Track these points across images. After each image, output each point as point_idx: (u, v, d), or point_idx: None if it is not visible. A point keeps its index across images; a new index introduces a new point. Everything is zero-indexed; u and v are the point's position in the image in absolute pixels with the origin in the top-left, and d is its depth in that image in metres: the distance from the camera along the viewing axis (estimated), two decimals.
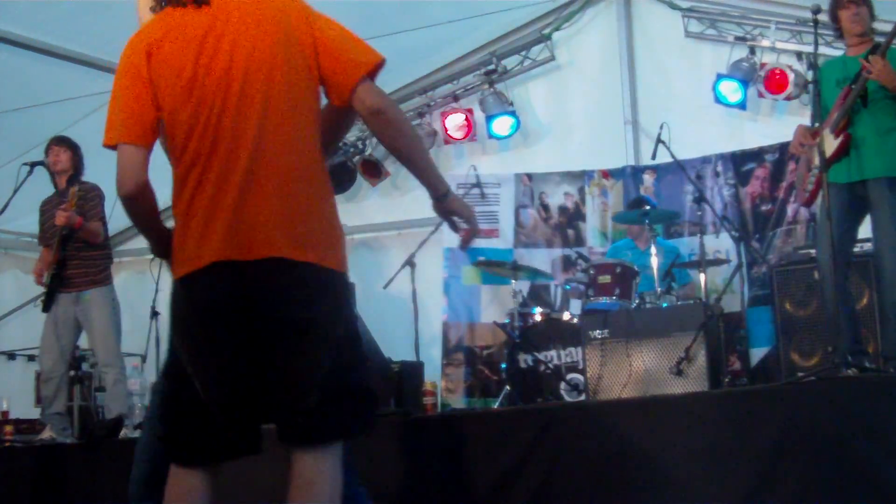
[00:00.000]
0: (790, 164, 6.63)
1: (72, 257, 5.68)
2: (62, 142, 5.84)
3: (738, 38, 6.89)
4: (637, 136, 7.30)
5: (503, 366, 6.09)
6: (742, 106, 6.80)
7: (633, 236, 6.44)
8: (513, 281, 6.15)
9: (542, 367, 5.63)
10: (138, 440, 3.41)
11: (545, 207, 7.38)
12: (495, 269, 6.47)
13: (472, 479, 4.24)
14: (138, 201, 2.33)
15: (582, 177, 7.35)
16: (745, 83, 6.72)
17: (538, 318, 5.93)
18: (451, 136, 7.52)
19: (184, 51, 2.29)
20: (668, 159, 5.96)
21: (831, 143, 4.49)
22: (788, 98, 6.63)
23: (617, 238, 6.99)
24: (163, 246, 2.40)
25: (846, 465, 3.55)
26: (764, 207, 6.72)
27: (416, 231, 7.18)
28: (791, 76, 6.55)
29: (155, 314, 6.47)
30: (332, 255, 2.30)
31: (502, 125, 7.37)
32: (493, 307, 7.11)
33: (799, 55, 6.62)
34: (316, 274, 2.25)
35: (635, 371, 4.85)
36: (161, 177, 2.38)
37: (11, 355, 7.78)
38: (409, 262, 6.42)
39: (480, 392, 7.06)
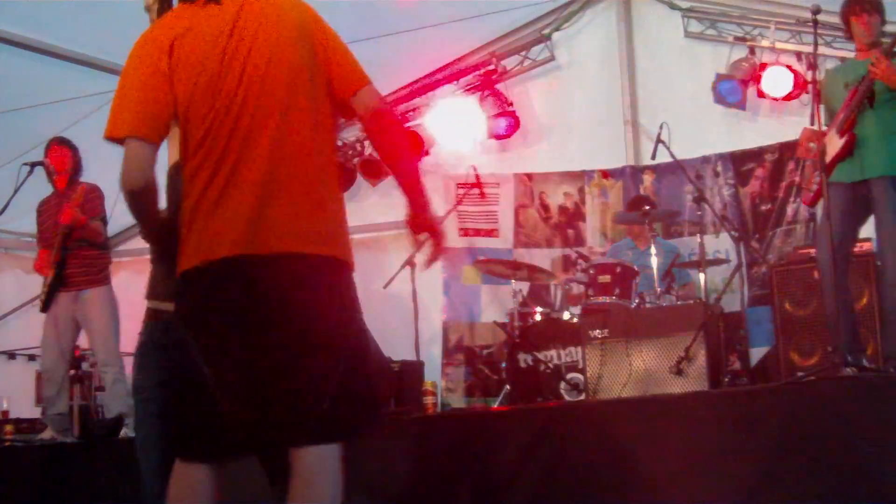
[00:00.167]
0: (790, 164, 6.65)
1: (72, 257, 5.69)
2: (63, 142, 5.85)
3: (737, 39, 6.90)
4: (637, 135, 7.30)
5: (503, 365, 6.09)
6: (742, 106, 6.81)
7: (633, 236, 6.44)
8: (513, 281, 6.15)
9: (542, 367, 5.63)
10: (136, 439, 3.41)
11: (545, 207, 7.38)
12: (498, 268, 6.48)
13: (473, 479, 4.25)
14: (144, 197, 2.33)
15: (582, 177, 7.35)
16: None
17: (538, 317, 5.93)
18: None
19: (206, 47, 2.29)
20: (668, 159, 5.96)
21: (836, 144, 4.52)
22: (788, 98, 6.63)
23: (617, 238, 7.00)
24: (154, 230, 2.43)
25: (846, 465, 3.55)
26: (764, 207, 6.72)
27: None
28: (790, 76, 6.55)
29: None
30: (346, 252, 2.34)
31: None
32: (493, 307, 7.11)
33: (799, 55, 6.63)
34: (331, 270, 2.28)
35: (635, 371, 4.85)
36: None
37: (11, 355, 7.78)
38: (409, 262, 6.42)
39: (480, 392, 7.07)
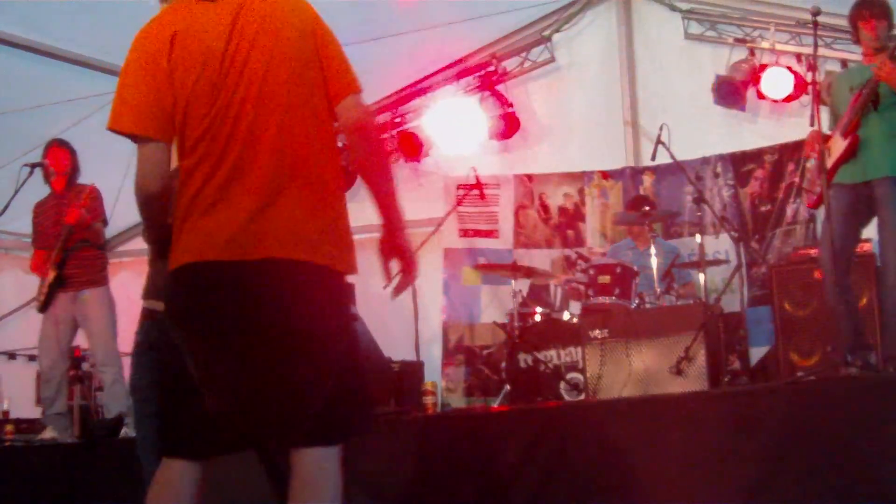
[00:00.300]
0: (789, 165, 6.65)
1: (72, 257, 5.70)
2: (62, 144, 5.86)
3: (737, 40, 6.90)
4: (637, 137, 7.31)
5: (503, 365, 6.09)
6: (742, 107, 6.82)
7: (633, 237, 6.44)
8: (513, 281, 6.16)
9: (542, 367, 5.63)
10: (136, 439, 3.41)
11: (545, 208, 7.39)
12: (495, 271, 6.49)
13: (472, 479, 4.25)
14: (158, 201, 2.31)
15: (582, 178, 7.36)
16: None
17: (538, 317, 5.94)
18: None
19: (206, 46, 2.26)
20: (668, 160, 5.96)
21: (840, 146, 4.54)
22: (788, 100, 6.64)
23: (617, 238, 7.01)
24: (163, 235, 2.38)
25: (846, 465, 3.55)
26: (763, 208, 6.73)
27: (416, 231, 7.18)
28: (790, 77, 6.56)
29: None
30: (343, 258, 2.30)
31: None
32: (493, 307, 7.12)
33: (798, 57, 6.63)
34: (323, 278, 2.24)
35: (635, 371, 4.85)
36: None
37: (12, 355, 7.78)
38: None
39: (480, 392, 7.07)
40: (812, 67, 5.92)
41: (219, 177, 2.22)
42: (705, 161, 6.89)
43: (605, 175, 7.31)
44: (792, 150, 6.64)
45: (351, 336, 2.35)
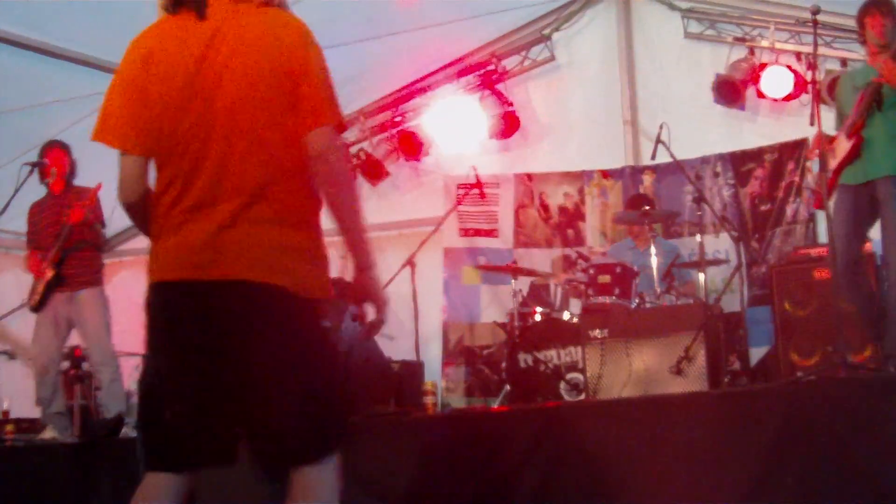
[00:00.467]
0: (789, 165, 6.65)
1: (70, 257, 5.71)
2: (63, 146, 5.87)
3: (737, 39, 6.90)
4: (637, 136, 7.31)
5: (503, 365, 6.09)
6: (741, 106, 6.82)
7: (633, 236, 6.44)
8: (513, 281, 6.16)
9: (542, 367, 5.63)
10: (137, 439, 3.42)
11: (545, 207, 7.39)
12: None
13: (472, 479, 4.25)
14: (137, 209, 2.37)
15: (582, 177, 7.36)
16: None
17: (538, 317, 5.94)
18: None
19: (178, 67, 2.28)
20: (668, 159, 5.96)
21: (844, 146, 4.54)
22: (787, 99, 6.64)
23: (617, 238, 7.01)
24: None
25: (846, 465, 3.55)
26: (763, 207, 6.73)
27: (416, 231, 7.19)
28: (790, 76, 6.56)
29: None
30: (308, 281, 2.28)
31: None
32: (493, 307, 7.12)
33: (798, 56, 6.63)
34: (285, 300, 2.24)
35: (635, 371, 4.85)
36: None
37: (12, 355, 7.77)
38: (409, 262, 6.43)
39: (480, 391, 7.07)
40: (812, 66, 5.93)
41: (187, 197, 2.26)
42: (705, 160, 6.89)
43: (605, 174, 7.31)
44: (792, 149, 6.65)
45: (316, 356, 2.29)
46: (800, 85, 6.54)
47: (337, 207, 2.28)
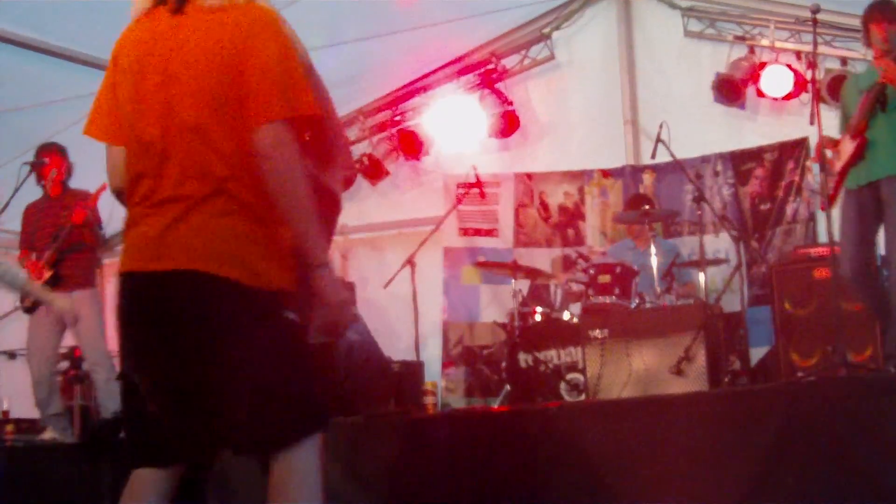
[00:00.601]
0: (789, 164, 6.65)
1: (67, 258, 5.72)
2: (60, 148, 5.89)
3: (737, 38, 6.90)
4: (637, 135, 7.31)
5: (503, 365, 6.09)
6: (741, 105, 6.82)
7: (633, 236, 6.44)
8: (513, 280, 6.16)
9: (542, 367, 5.63)
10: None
11: (545, 207, 7.38)
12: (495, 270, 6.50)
13: (472, 479, 4.25)
14: (125, 196, 2.43)
15: (582, 176, 7.36)
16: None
17: (538, 317, 5.93)
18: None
19: (135, 64, 2.35)
20: (668, 159, 5.96)
21: (849, 148, 4.55)
22: (787, 98, 6.64)
23: (617, 238, 7.00)
24: None
25: (846, 465, 3.55)
26: (763, 207, 6.73)
27: (416, 231, 7.19)
28: (790, 76, 6.55)
29: None
30: (259, 272, 2.26)
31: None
32: (493, 307, 7.11)
33: (798, 54, 6.63)
34: (229, 289, 2.24)
35: (635, 371, 4.85)
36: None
37: (12, 355, 7.78)
38: (409, 262, 6.43)
39: (480, 391, 7.07)
40: (812, 65, 5.93)
41: (153, 193, 2.31)
42: (705, 159, 6.89)
43: (606, 173, 7.31)
44: (792, 149, 6.65)
45: (269, 346, 2.26)
46: (800, 84, 6.54)
47: (282, 206, 2.25)
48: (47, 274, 5.69)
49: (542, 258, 7.16)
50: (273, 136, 2.22)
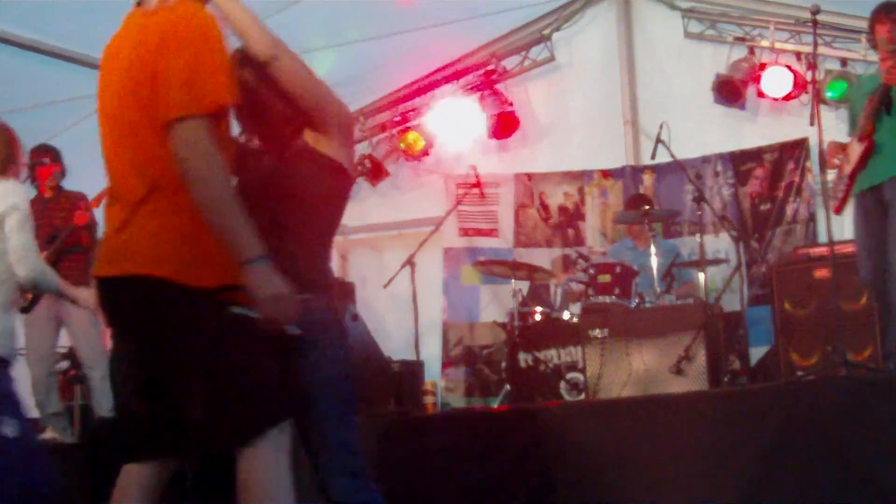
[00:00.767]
0: (789, 164, 6.66)
1: (64, 259, 5.72)
2: (56, 152, 5.90)
3: (737, 39, 6.90)
4: (637, 135, 7.31)
5: (503, 365, 6.09)
6: (742, 106, 6.82)
7: (633, 236, 6.44)
8: (513, 280, 6.16)
9: (542, 367, 5.63)
10: None
11: (545, 207, 7.39)
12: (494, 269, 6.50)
13: (472, 479, 4.25)
14: None
15: (582, 177, 7.36)
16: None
17: (538, 317, 5.94)
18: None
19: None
20: (668, 159, 5.96)
21: (857, 151, 4.55)
22: (787, 98, 6.64)
23: (616, 238, 7.00)
24: None
25: (846, 465, 3.55)
26: (763, 207, 6.73)
27: (416, 231, 7.19)
28: (790, 76, 6.56)
29: None
30: (196, 270, 2.27)
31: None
32: (493, 307, 7.12)
33: (798, 55, 6.63)
34: (168, 289, 2.26)
35: (635, 370, 4.85)
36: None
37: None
38: (409, 262, 6.43)
39: (480, 391, 7.07)
40: (812, 66, 5.94)
41: (108, 191, 2.41)
42: (705, 160, 6.89)
43: (606, 174, 7.31)
44: (792, 149, 6.65)
45: (217, 343, 2.26)
46: (799, 85, 6.54)
47: (199, 204, 2.23)
48: None
49: (541, 258, 7.15)
50: (182, 136, 2.20)
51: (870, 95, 4.56)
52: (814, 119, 4.46)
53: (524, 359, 5.73)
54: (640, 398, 4.63)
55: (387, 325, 6.90)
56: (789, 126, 6.62)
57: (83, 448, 5.29)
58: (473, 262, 7.05)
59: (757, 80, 6.68)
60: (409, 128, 7.64)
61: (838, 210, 4.84)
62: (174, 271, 2.24)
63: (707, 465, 3.81)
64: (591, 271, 5.76)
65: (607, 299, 5.59)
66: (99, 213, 5.83)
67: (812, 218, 6.49)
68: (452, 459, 4.33)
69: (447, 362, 7.19)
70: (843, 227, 5.36)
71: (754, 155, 6.82)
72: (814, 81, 4.98)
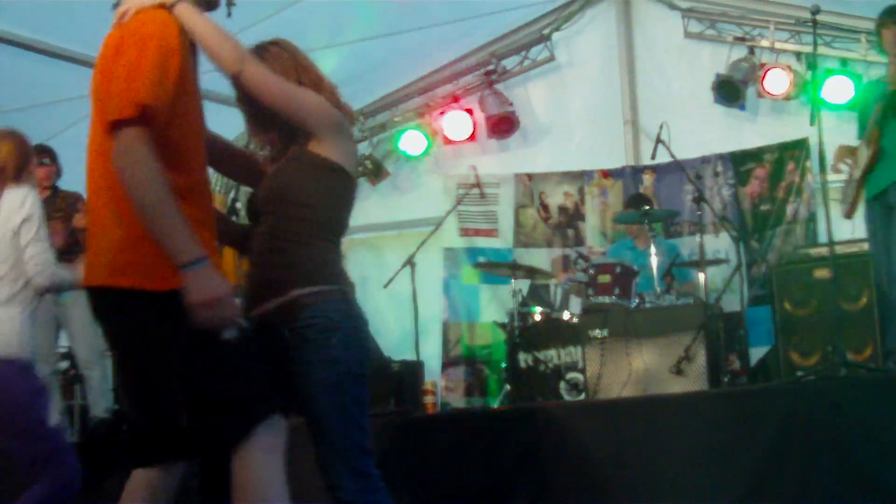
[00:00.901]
0: (789, 164, 6.66)
1: (61, 260, 5.72)
2: (52, 152, 5.89)
3: (737, 39, 6.90)
4: (637, 135, 7.30)
5: (503, 365, 6.09)
6: (741, 106, 6.82)
7: (633, 236, 6.44)
8: (512, 280, 6.16)
9: (542, 367, 5.63)
10: None
11: (545, 207, 7.39)
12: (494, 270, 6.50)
13: (472, 479, 4.25)
14: None
15: (581, 177, 7.36)
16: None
17: (538, 317, 5.94)
18: (447, 139, 7.52)
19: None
20: (668, 159, 5.96)
21: (866, 155, 4.56)
22: (787, 98, 6.64)
23: (616, 238, 7.00)
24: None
25: (846, 465, 3.56)
26: (763, 207, 6.73)
27: (416, 231, 7.18)
28: (790, 76, 6.56)
29: None
30: (149, 274, 2.26)
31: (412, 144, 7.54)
32: (493, 307, 7.11)
33: (798, 55, 6.63)
34: (129, 298, 2.27)
35: (635, 370, 4.85)
36: None
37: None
38: (409, 262, 6.43)
39: (480, 391, 7.07)
40: (812, 66, 5.95)
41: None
42: (705, 160, 6.89)
43: (605, 174, 7.31)
44: (791, 149, 6.65)
45: (179, 347, 2.25)
46: (799, 85, 6.54)
47: (140, 215, 2.24)
48: None
49: (541, 258, 7.15)
50: (116, 144, 2.23)
51: (879, 100, 4.56)
52: (814, 119, 4.46)
53: (524, 359, 5.73)
54: (640, 398, 4.63)
55: (387, 325, 6.89)
56: (789, 126, 6.62)
57: (80, 447, 5.29)
58: (474, 263, 7.05)
59: (757, 80, 6.68)
60: (409, 128, 7.63)
61: (849, 214, 4.84)
62: (138, 279, 2.25)
63: (707, 465, 3.81)
64: (591, 271, 5.76)
65: (607, 299, 5.59)
66: None
67: (812, 218, 6.49)
68: (452, 459, 4.33)
69: (447, 362, 7.19)
70: (843, 227, 5.36)
71: (754, 155, 6.82)
72: (814, 82, 4.97)
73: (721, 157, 6.89)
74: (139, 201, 2.21)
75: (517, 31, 7.48)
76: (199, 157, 2.41)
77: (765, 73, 6.63)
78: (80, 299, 5.70)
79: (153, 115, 2.22)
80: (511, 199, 7.39)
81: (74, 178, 5.99)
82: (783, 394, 4.00)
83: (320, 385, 2.52)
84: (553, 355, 5.66)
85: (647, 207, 5.98)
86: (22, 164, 3.82)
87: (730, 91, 6.75)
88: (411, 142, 7.61)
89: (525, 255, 7.12)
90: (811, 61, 6.21)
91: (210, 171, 2.61)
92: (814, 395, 3.86)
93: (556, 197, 7.38)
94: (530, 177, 7.43)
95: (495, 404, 6.23)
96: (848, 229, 5.32)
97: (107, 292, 2.29)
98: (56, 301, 5.70)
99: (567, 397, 5.45)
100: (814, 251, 5.53)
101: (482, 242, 7.37)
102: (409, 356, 6.23)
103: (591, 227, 7.27)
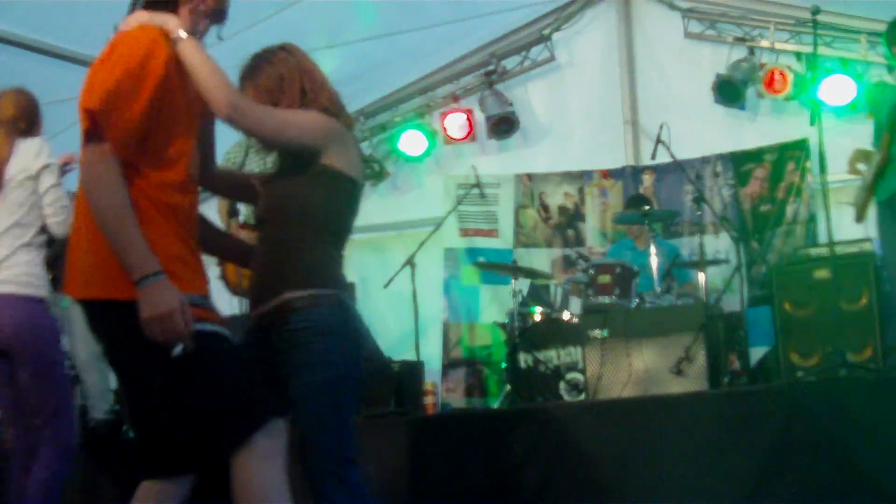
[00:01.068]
0: (789, 165, 6.66)
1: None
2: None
3: (737, 39, 6.90)
4: (637, 136, 7.30)
5: (503, 365, 6.09)
6: (742, 106, 6.82)
7: (633, 236, 6.44)
8: (512, 281, 6.16)
9: (542, 367, 5.63)
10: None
11: (545, 207, 7.39)
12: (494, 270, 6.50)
13: (472, 479, 4.25)
14: None
15: (581, 177, 7.36)
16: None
17: (538, 317, 5.94)
18: (451, 137, 7.52)
19: None
20: (668, 159, 5.96)
21: (877, 160, 4.56)
22: (787, 98, 6.64)
23: (617, 238, 7.00)
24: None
25: (846, 465, 3.56)
26: (763, 207, 6.73)
27: (416, 231, 7.19)
28: (790, 77, 6.56)
29: None
30: (118, 287, 2.25)
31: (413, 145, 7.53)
32: (493, 307, 7.11)
33: (798, 56, 6.63)
34: (105, 309, 2.29)
35: (635, 371, 4.85)
36: None
37: None
38: (410, 263, 6.43)
39: (480, 392, 7.07)
40: (812, 66, 5.94)
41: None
42: (705, 160, 6.89)
43: (606, 174, 7.31)
44: (792, 150, 6.65)
45: (163, 358, 2.24)
46: (798, 85, 6.54)
47: (101, 227, 2.26)
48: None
49: (541, 258, 7.16)
50: (81, 158, 2.30)
51: (891, 105, 4.56)
52: (814, 119, 4.46)
53: (524, 359, 5.73)
54: (640, 398, 4.63)
55: (387, 325, 6.89)
56: (789, 126, 6.62)
57: (83, 449, 5.29)
58: (474, 263, 7.05)
59: (757, 80, 6.68)
60: (409, 127, 7.64)
61: (859, 219, 4.85)
62: (113, 289, 2.25)
63: (707, 465, 3.81)
64: (591, 271, 5.76)
65: (607, 299, 5.59)
66: None
67: (812, 218, 6.49)
68: (453, 460, 4.33)
69: (447, 362, 7.19)
70: (843, 227, 5.37)
71: (754, 155, 6.82)
72: (814, 82, 4.97)
73: (721, 157, 6.89)
74: (98, 216, 2.25)
75: (517, 31, 7.48)
76: (185, 158, 2.42)
77: (765, 74, 6.63)
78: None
79: (106, 127, 2.24)
80: (511, 199, 7.39)
81: (74, 178, 6.00)
82: (783, 394, 4.00)
83: (304, 389, 2.53)
84: (553, 356, 5.66)
85: (647, 208, 5.98)
86: (33, 117, 3.90)
87: (730, 91, 6.74)
88: (411, 142, 7.61)
89: (525, 255, 7.12)
90: (811, 61, 6.21)
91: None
92: (814, 395, 3.86)
93: (557, 197, 7.39)
94: (530, 177, 7.43)
95: (495, 405, 6.23)
96: (848, 230, 5.32)
97: (89, 304, 2.32)
98: (56, 304, 5.70)
99: (567, 398, 5.45)
100: (814, 251, 5.53)
101: (482, 243, 7.37)
102: (410, 356, 6.23)
103: (592, 227, 7.27)
